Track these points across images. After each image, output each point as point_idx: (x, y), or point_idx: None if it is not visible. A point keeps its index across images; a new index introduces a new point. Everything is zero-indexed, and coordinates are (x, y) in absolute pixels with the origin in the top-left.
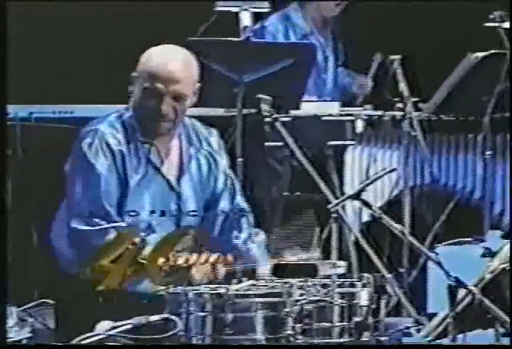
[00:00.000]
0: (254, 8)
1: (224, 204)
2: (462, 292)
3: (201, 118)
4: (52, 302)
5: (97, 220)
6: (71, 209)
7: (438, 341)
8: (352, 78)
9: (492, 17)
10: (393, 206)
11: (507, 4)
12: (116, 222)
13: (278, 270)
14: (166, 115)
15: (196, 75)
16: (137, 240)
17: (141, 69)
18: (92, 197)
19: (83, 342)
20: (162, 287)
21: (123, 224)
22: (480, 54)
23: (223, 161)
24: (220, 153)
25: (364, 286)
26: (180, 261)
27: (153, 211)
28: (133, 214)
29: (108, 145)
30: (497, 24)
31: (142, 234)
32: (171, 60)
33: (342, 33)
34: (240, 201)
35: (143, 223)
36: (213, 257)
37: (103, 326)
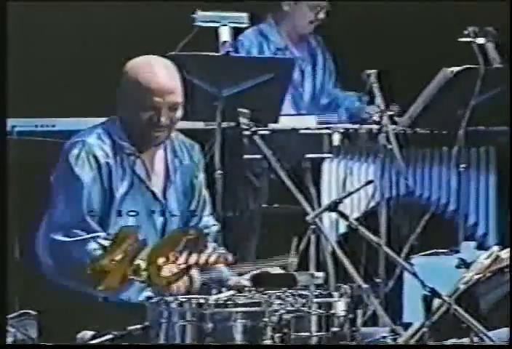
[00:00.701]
0: (234, 23)
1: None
2: (437, 302)
3: (182, 131)
4: (33, 312)
5: (77, 231)
6: (53, 220)
7: None
8: (362, 103)
9: (466, 32)
10: (369, 218)
11: (507, 4)
12: (96, 232)
13: (258, 281)
14: (164, 126)
15: (180, 82)
16: (137, 240)
17: (129, 83)
18: (74, 208)
19: None
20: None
21: (102, 234)
22: (455, 69)
23: (201, 178)
24: (199, 170)
25: (341, 296)
26: (180, 261)
27: (138, 221)
28: (133, 213)
29: (95, 157)
30: (470, 39)
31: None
32: (159, 72)
33: (324, 48)
34: (207, 220)
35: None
36: (213, 257)
37: (84, 336)
